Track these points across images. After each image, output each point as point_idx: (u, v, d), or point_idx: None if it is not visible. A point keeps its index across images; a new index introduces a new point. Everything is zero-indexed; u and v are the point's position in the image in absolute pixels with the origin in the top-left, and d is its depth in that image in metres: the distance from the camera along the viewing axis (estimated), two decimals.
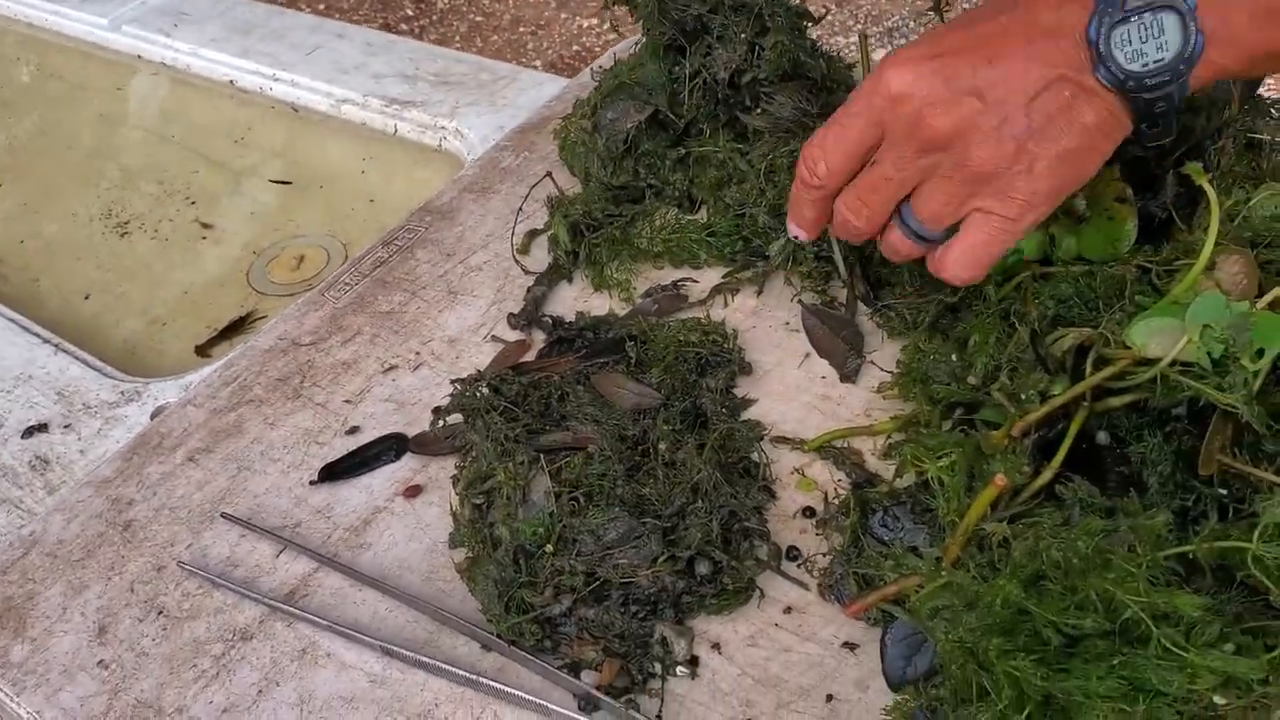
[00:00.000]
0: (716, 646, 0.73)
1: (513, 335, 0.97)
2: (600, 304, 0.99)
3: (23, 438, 1.09)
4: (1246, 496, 0.66)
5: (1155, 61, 0.66)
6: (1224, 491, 0.67)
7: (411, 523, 0.83)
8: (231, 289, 1.39)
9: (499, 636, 0.73)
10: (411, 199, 1.37)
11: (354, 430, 0.90)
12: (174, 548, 0.84)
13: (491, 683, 0.72)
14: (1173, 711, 0.53)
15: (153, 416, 1.06)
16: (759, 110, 0.99)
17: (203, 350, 1.30)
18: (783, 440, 0.84)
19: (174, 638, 0.78)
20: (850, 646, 0.72)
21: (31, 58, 1.90)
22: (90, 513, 0.87)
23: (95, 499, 0.88)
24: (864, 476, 0.80)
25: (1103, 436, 0.72)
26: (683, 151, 1.03)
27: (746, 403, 0.87)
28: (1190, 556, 0.61)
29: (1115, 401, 0.72)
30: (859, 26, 3.33)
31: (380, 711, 0.72)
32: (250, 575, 0.81)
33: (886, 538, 0.73)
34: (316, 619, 0.77)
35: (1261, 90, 0.87)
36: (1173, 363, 0.68)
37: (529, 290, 1.00)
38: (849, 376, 0.88)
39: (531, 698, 0.71)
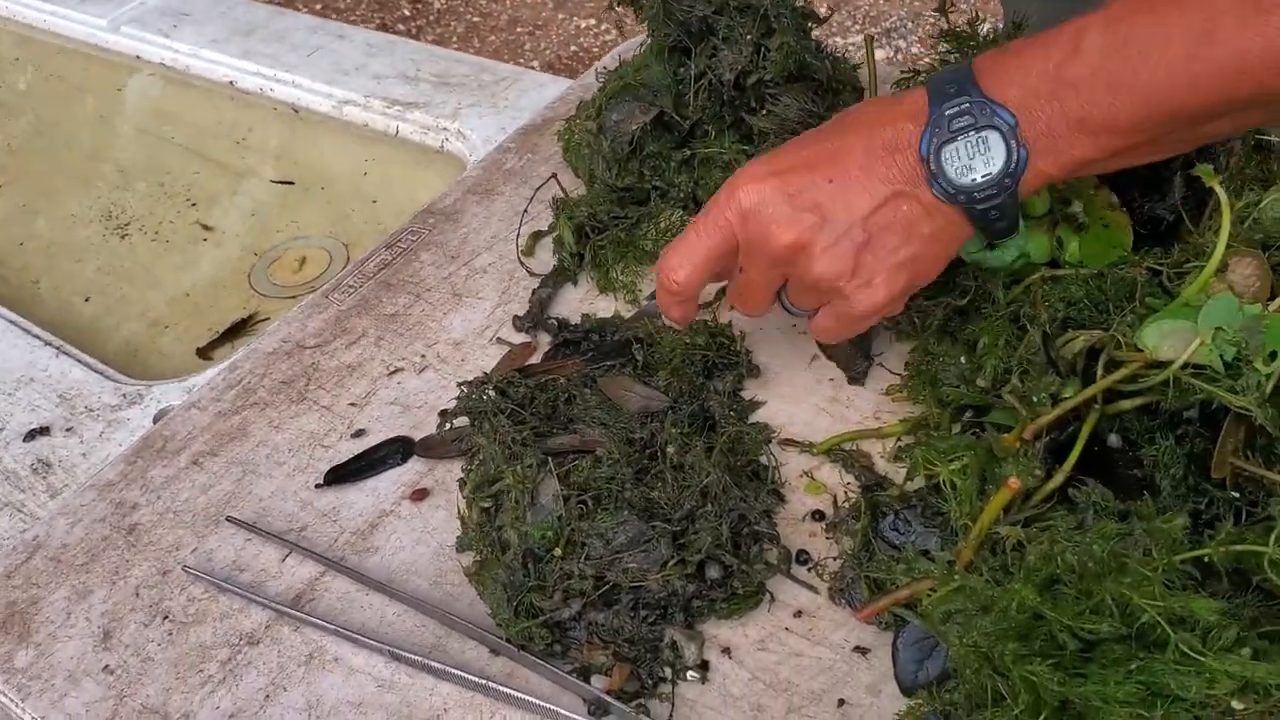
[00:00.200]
0: (727, 651, 0.73)
1: (518, 338, 0.97)
2: (605, 306, 0.99)
3: (25, 441, 1.08)
4: (1260, 500, 0.66)
5: (983, 176, 0.70)
6: (1237, 495, 0.67)
7: (418, 526, 0.83)
8: (233, 291, 1.39)
9: (508, 641, 0.73)
10: (414, 200, 1.37)
11: (360, 433, 0.90)
12: (179, 552, 0.83)
13: (501, 687, 0.71)
14: (1190, 717, 0.53)
15: (156, 419, 1.05)
16: (764, 112, 0.99)
17: (204, 353, 1.29)
18: (791, 443, 0.84)
19: (180, 643, 0.78)
20: (861, 651, 0.71)
21: (30, 59, 1.89)
22: (94, 516, 0.87)
23: (99, 503, 0.88)
24: (873, 479, 0.80)
25: (1114, 439, 0.72)
26: (688, 153, 1.03)
27: (754, 405, 0.87)
28: (1206, 560, 0.60)
29: (1126, 404, 0.72)
30: (857, 27, 3.33)
31: (389, 716, 0.72)
32: (256, 579, 0.81)
33: (897, 541, 0.73)
34: (324, 623, 0.76)
35: None
36: (1185, 365, 0.68)
37: (534, 292, 1.00)
38: (857, 379, 0.88)
39: (541, 702, 0.70)
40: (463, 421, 0.88)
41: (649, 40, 1.04)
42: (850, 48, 3.24)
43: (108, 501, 0.88)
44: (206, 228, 1.51)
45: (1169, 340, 0.69)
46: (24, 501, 1.02)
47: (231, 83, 1.64)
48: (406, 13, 3.89)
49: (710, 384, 0.87)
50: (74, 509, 0.87)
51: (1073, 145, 0.69)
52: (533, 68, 2.97)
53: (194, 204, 1.55)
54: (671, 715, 0.70)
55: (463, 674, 0.72)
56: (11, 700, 0.76)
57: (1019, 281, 0.81)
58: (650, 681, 0.71)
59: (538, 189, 1.09)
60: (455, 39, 3.73)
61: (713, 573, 0.74)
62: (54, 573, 0.83)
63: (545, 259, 1.04)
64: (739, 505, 0.77)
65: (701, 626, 0.74)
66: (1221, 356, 0.67)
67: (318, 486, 0.86)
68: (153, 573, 0.82)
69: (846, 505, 0.78)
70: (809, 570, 0.76)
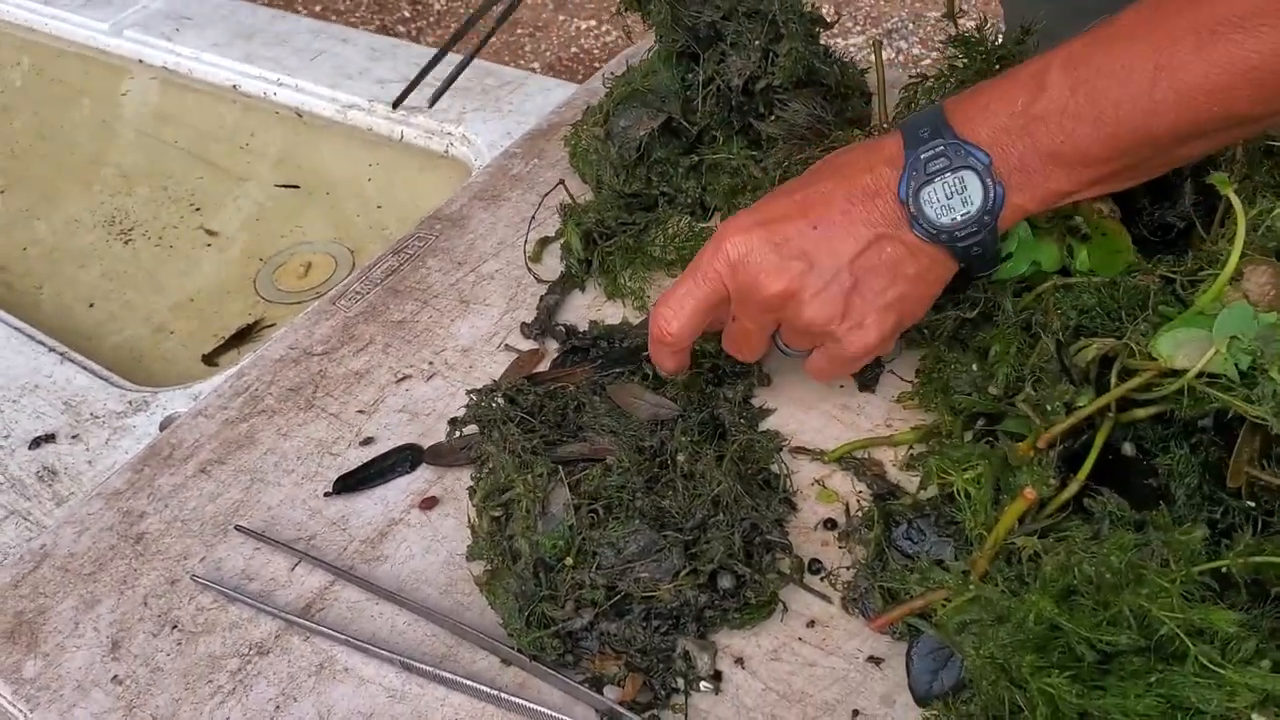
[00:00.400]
0: (740, 661, 0.72)
1: (526, 344, 0.96)
2: (614, 313, 0.98)
3: (30, 448, 1.08)
4: (1276, 509, 0.66)
5: (962, 215, 0.73)
6: (1252, 504, 0.66)
7: (428, 535, 0.83)
8: (238, 297, 1.39)
9: (520, 651, 0.73)
10: (419, 205, 1.37)
11: (368, 441, 0.90)
12: (187, 561, 0.83)
13: (513, 698, 0.71)
14: None
15: (162, 427, 1.05)
16: (773, 117, 0.99)
17: (210, 359, 1.29)
18: (802, 451, 0.84)
19: (189, 653, 0.77)
20: (875, 661, 0.71)
21: (32, 62, 1.89)
22: (101, 525, 0.86)
23: (106, 511, 0.87)
24: (885, 488, 0.79)
25: (1128, 448, 0.72)
26: (696, 159, 1.02)
27: (764, 413, 0.87)
28: (1223, 571, 0.60)
29: (1141, 413, 0.71)
30: (858, 28, 3.33)
31: None
32: (266, 589, 0.81)
33: (911, 550, 0.72)
34: (334, 633, 0.76)
35: None
36: (1200, 374, 0.67)
37: (542, 299, 1.00)
38: (868, 386, 0.87)
39: (554, 713, 0.70)
40: (471, 429, 0.87)
41: (657, 46, 1.03)
42: (851, 49, 3.24)
43: (115, 510, 0.87)
44: (211, 233, 1.50)
45: (1184, 349, 0.68)
46: (30, 510, 1.01)
47: (235, 86, 1.64)
48: (406, 14, 3.88)
49: (720, 391, 0.87)
50: (81, 517, 0.87)
51: (1047, 179, 0.72)
52: (533, 69, 2.96)
53: (198, 209, 1.55)
54: None
55: (475, 684, 0.72)
56: (20, 711, 0.76)
57: (1030, 289, 0.81)
58: (663, 692, 0.71)
59: (545, 195, 1.09)
60: None
61: (725, 582, 0.73)
62: (61, 582, 0.83)
63: (553, 265, 1.04)
64: (751, 514, 0.76)
65: (714, 636, 0.74)
66: (1237, 365, 0.66)
67: (326, 495, 0.86)
68: (161, 582, 0.82)
69: (859, 514, 0.78)
70: (822, 579, 0.76)
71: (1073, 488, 0.69)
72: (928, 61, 3.14)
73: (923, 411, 0.84)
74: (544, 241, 1.06)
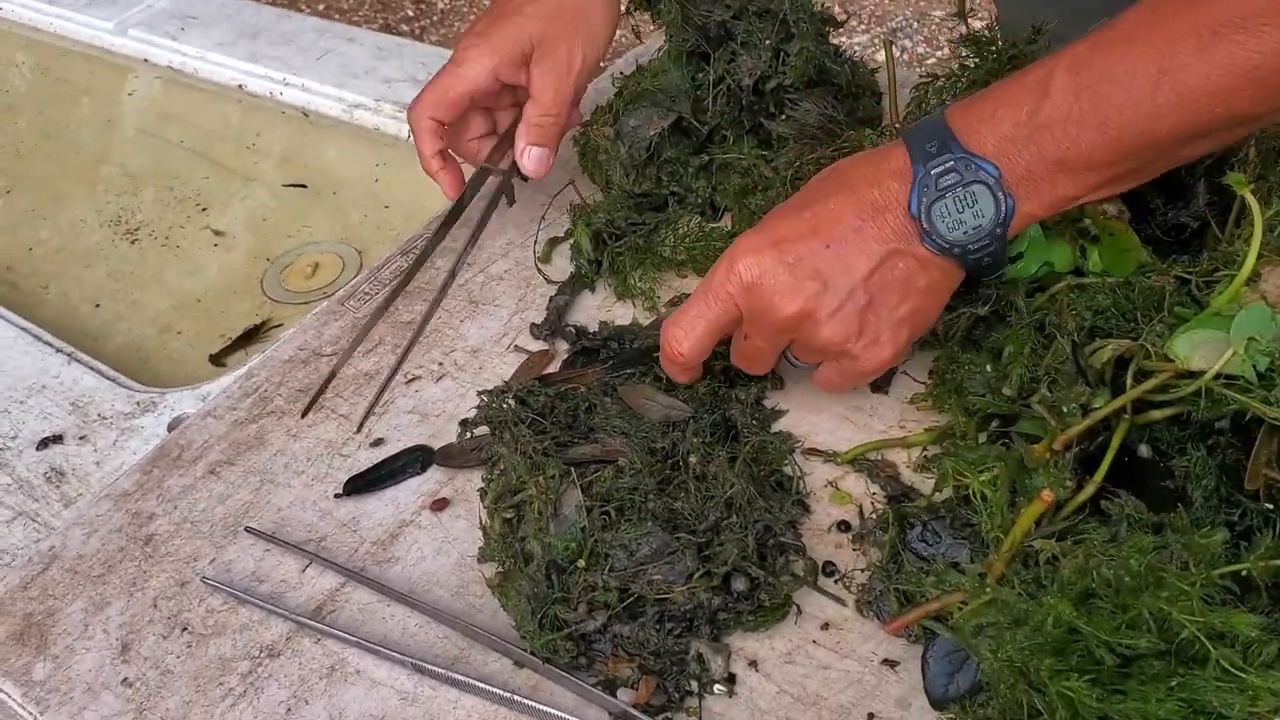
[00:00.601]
0: (754, 664, 0.72)
1: (535, 345, 0.96)
2: (623, 313, 0.98)
3: (38, 449, 1.08)
4: None
5: (974, 228, 0.73)
6: (1270, 507, 0.66)
7: (439, 536, 0.82)
8: (245, 297, 1.38)
9: (533, 653, 0.72)
10: (426, 206, 1.36)
11: (378, 442, 0.89)
12: (197, 563, 0.83)
13: (526, 700, 0.71)
14: None
15: (170, 428, 1.05)
16: (784, 116, 0.98)
17: (217, 359, 1.29)
18: (815, 453, 0.83)
19: (199, 655, 0.77)
20: (890, 664, 0.71)
21: (36, 62, 1.89)
22: (110, 527, 0.86)
23: (115, 513, 0.87)
24: (899, 489, 0.79)
25: (1144, 450, 0.72)
26: (706, 158, 1.02)
27: (777, 414, 0.87)
28: (1243, 574, 0.60)
29: (1157, 414, 0.71)
30: (863, 27, 3.32)
31: None
32: (276, 590, 0.80)
33: (926, 553, 0.72)
34: (345, 635, 0.76)
35: None
36: (1217, 375, 0.67)
37: (551, 299, 0.99)
38: (880, 387, 0.87)
39: (567, 716, 0.70)
40: (482, 430, 0.87)
41: (667, 45, 1.03)
42: (856, 47, 3.23)
43: (124, 512, 0.87)
44: (217, 233, 1.50)
45: (1201, 350, 0.68)
46: (38, 511, 1.01)
47: (240, 86, 1.63)
48: (410, 13, 3.88)
49: (732, 393, 0.86)
50: (90, 519, 0.87)
51: (1054, 185, 0.72)
52: None
53: (204, 209, 1.54)
54: None
55: (487, 687, 0.72)
56: (30, 713, 0.75)
57: (1043, 290, 0.80)
58: (677, 695, 0.71)
59: (554, 195, 1.08)
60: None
61: (739, 585, 0.73)
62: (70, 584, 0.82)
63: (562, 266, 1.03)
64: (764, 516, 0.76)
65: (728, 639, 0.73)
66: (1255, 367, 0.66)
67: (336, 496, 0.85)
68: (171, 584, 0.82)
69: (873, 516, 0.78)
70: (836, 582, 0.76)
71: (1089, 490, 0.69)
72: (932, 60, 3.13)
73: (936, 413, 0.84)
74: (553, 242, 1.05)
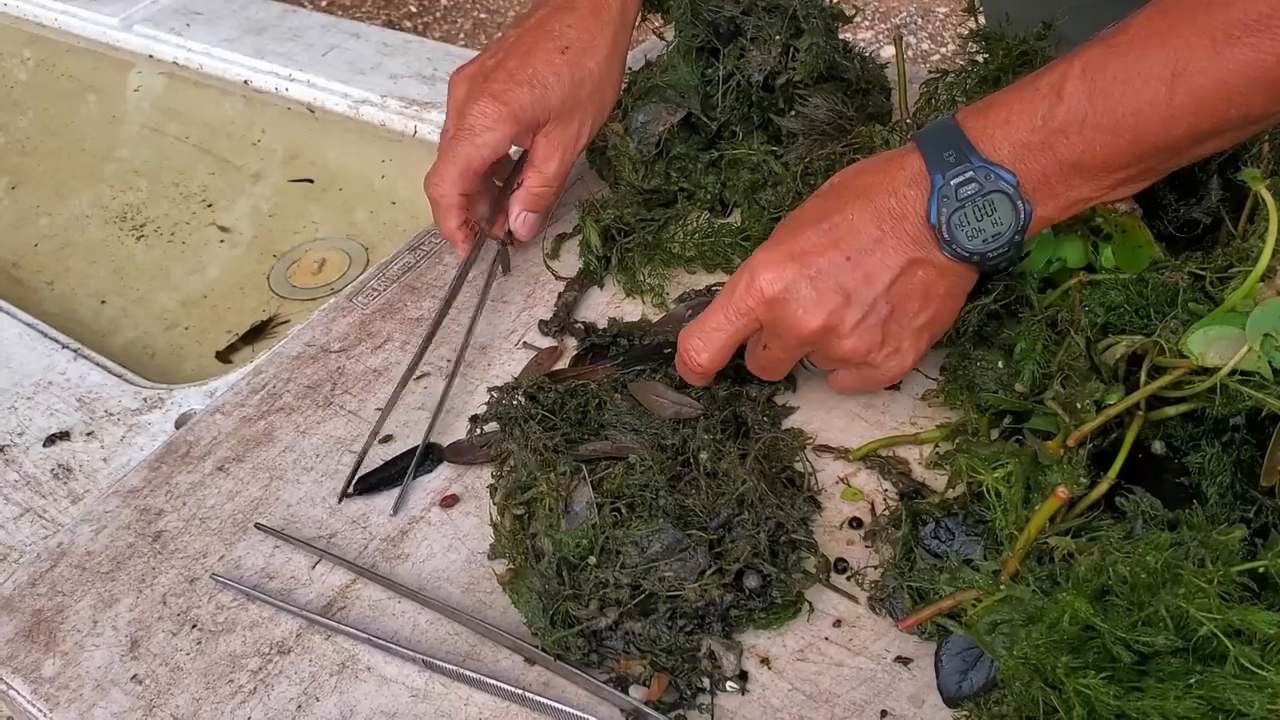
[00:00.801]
0: (766, 661, 0.72)
1: (544, 342, 0.96)
2: (632, 310, 0.98)
3: (45, 445, 1.07)
4: None
5: (993, 236, 0.73)
6: None
7: (449, 533, 0.82)
8: (251, 293, 1.38)
9: (544, 650, 0.72)
10: None
11: (387, 439, 0.89)
12: (206, 559, 0.82)
13: (538, 697, 0.70)
14: None
15: (178, 424, 1.04)
16: (793, 112, 0.98)
17: (224, 356, 1.28)
18: (826, 449, 0.83)
19: (209, 652, 0.77)
20: (903, 661, 0.70)
21: (41, 58, 1.88)
22: (119, 523, 0.86)
23: (123, 509, 0.87)
24: (911, 486, 0.79)
25: (1158, 446, 0.71)
26: (716, 154, 1.02)
27: (787, 411, 0.86)
28: (1260, 571, 0.59)
29: (1171, 411, 0.71)
30: (867, 23, 3.32)
31: None
32: (286, 587, 0.80)
33: (939, 550, 0.72)
34: (356, 632, 0.76)
35: None
36: (1232, 371, 0.67)
37: (560, 296, 0.99)
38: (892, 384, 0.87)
39: (579, 713, 0.69)
40: (491, 427, 0.87)
41: (676, 41, 1.03)
42: (861, 43, 3.22)
43: (132, 508, 0.87)
44: (223, 229, 1.49)
45: (1216, 346, 0.68)
46: (45, 507, 1.01)
47: (246, 82, 1.63)
48: (413, 9, 3.87)
49: (743, 390, 0.86)
50: (98, 516, 0.87)
51: (1070, 188, 0.73)
52: None
53: (209, 205, 1.54)
54: None
55: (498, 684, 0.71)
56: (40, 710, 0.75)
57: (1055, 286, 0.80)
58: (689, 692, 0.70)
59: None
60: (462, 35, 3.72)
61: (751, 582, 0.73)
62: (79, 580, 0.82)
63: (571, 262, 1.03)
64: (776, 513, 0.76)
65: (740, 636, 0.73)
66: (1270, 363, 0.66)
67: (347, 495, 0.85)
68: (180, 581, 0.81)
69: (885, 513, 0.77)
70: (848, 579, 0.75)
71: (1103, 486, 0.68)
72: (937, 57, 3.13)
73: (948, 409, 0.83)
74: (562, 238, 1.05)
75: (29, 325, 1.21)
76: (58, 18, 1.85)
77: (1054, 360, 0.75)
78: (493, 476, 0.84)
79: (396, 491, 0.85)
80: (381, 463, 0.87)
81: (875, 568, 0.75)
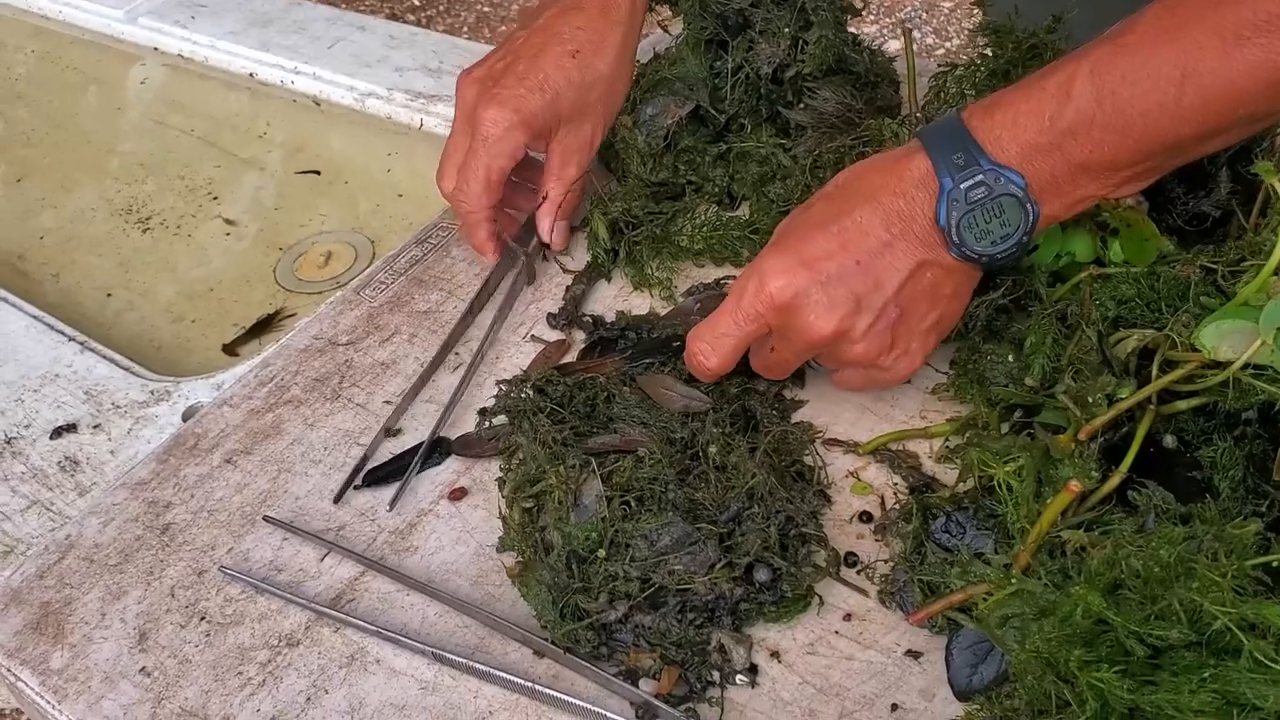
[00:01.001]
0: (776, 654, 0.72)
1: (552, 335, 0.96)
2: (640, 303, 0.98)
3: (51, 438, 1.07)
4: None
5: (1002, 238, 0.73)
6: None
7: (457, 526, 0.82)
8: (258, 286, 1.38)
9: (554, 643, 0.72)
10: (439, 195, 1.35)
11: (395, 432, 0.89)
12: (214, 552, 0.82)
13: (547, 690, 0.70)
14: None
15: (185, 417, 1.04)
16: (802, 105, 0.98)
17: (230, 349, 1.28)
18: (836, 443, 0.83)
19: (218, 644, 0.77)
20: (913, 655, 0.70)
21: (45, 50, 1.88)
22: (126, 516, 0.86)
23: (131, 502, 0.87)
24: (921, 480, 0.79)
25: (1170, 440, 0.71)
26: (724, 147, 1.02)
27: (796, 404, 0.86)
28: (1275, 565, 0.59)
29: (1183, 405, 0.71)
30: (872, 17, 3.31)
31: (433, 719, 0.71)
32: (295, 579, 0.80)
33: (949, 544, 0.72)
34: (364, 624, 0.76)
35: None
36: (1245, 365, 0.67)
37: (568, 289, 0.99)
38: None
39: (589, 705, 0.69)
40: (500, 420, 0.87)
41: (685, 33, 1.02)
42: (866, 37, 3.21)
43: (140, 501, 0.87)
44: (229, 222, 1.49)
45: (1228, 340, 0.68)
46: (52, 500, 1.01)
47: (251, 75, 1.62)
48: (416, 2, 3.87)
49: (752, 384, 0.86)
50: (106, 508, 0.87)
51: (1077, 187, 0.73)
52: None
53: (215, 197, 1.54)
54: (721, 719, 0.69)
55: (508, 676, 0.71)
56: (48, 702, 0.75)
57: (1064, 280, 0.80)
58: (699, 685, 0.70)
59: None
60: (466, 29, 3.72)
61: (761, 575, 0.73)
62: (87, 573, 0.82)
63: (579, 255, 1.03)
64: (785, 507, 0.76)
65: (749, 630, 0.73)
66: None
67: (356, 487, 0.85)
68: (188, 573, 0.81)
69: (895, 507, 0.77)
70: (858, 573, 0.75)
71: (1115, 480, 0.68)
72: (941, 51, 3.12)
73: (957, 403, 0.83)
74: (569, 231, 1.05)
75: (35, 318, 1.21)
76: (62, 10, 1.85)
77: (1064, 354, 0.75)
78: (501, 469, 0.84)
79: (400, 485, 0.84)
80: (389, 456, 0.87)
81: (885, 561, 0.75)
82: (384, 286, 1.03)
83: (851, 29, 1.03)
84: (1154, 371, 0.71)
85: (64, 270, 1.45)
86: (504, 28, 3.70)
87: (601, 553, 0.73)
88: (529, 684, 0.71)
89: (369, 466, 0.86)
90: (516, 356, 0.94)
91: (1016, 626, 0.62)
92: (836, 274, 0.75)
